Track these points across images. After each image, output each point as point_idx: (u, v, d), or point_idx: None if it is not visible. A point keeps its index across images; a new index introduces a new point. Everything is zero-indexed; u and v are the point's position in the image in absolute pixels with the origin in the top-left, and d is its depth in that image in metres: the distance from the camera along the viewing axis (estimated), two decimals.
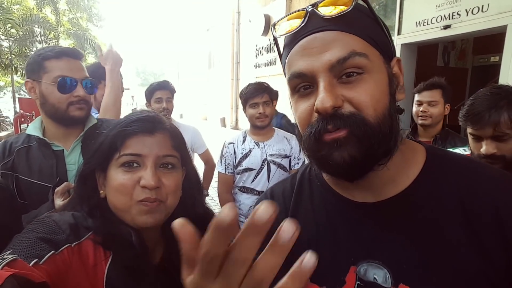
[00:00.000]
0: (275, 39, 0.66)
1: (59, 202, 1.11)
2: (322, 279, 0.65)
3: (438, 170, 0.61)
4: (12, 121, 10.84)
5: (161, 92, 2.61)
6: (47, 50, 1.34)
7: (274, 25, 0.63)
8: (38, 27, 12.37)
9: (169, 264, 0.85)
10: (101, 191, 0.82)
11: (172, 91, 2.67)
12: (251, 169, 2.23)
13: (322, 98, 0.53)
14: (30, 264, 0.58)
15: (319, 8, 0.57)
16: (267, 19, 8.16)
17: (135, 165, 0.78)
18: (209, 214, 0.95)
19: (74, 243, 0.69)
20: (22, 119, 9.67)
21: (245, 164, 2.24)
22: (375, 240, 0.61)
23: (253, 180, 2.24)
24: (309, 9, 0.57)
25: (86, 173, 0.83)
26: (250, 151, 2.24)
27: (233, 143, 2.31)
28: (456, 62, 6.86)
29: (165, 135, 0.83)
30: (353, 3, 0.55)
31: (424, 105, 2.17)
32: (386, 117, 0.55)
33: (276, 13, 7.97)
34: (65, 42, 17.05)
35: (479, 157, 1.21)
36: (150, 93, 2.63)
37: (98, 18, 20.47)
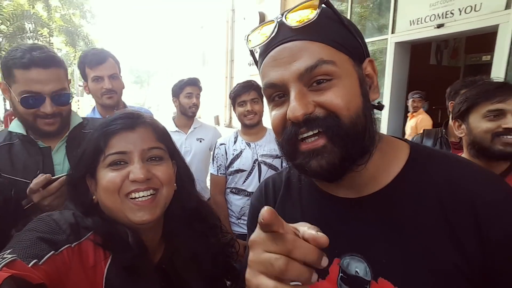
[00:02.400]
0: (250, 50, 0.67)
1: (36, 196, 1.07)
2: None
3: (420, 167, 0.62)
4: (2, 119, 10.70)
5: (191, 87, 2.63)
6: (18, 56, 1.20)
7: (248, 37, 0.65)
8: (29, 23, 12.18)
9: (168, 265, 0.84)
10: (94, 197, 0.81)
11: (200, 88, 2.71)
12: (242, 170, 2.21)
13: (293, 107, 0.55)
14: (30, 265, 0.57)
15: (287, 18, 0.58)
16: (262, 16, 8.16)
17: (122, 163, 0.77)
18: (204, 206, 0.94)
19: (74, 244, 0.69)
20: (13, 117, 9.53)
21: (236, 165, 2.22)
22: (357, 234, 0.63)
23: (244, 181, 2.23)
24: (278, 20, 0.59)
25: (75, 179, 0.81)
26: (241, 152, 2.23)
27: (224, 144, 2.30)
28: (448, 61, 6.93)
29: (147, 128, 0.82)
30: (317, 12, 0.56)
31: None
32: (360, 116, 0.57)
33: (271, 10, 7.95)
34: (57, 39, 16.83)
35: (495, 135, 1.22)
36: (180, 88, 2.64)
37: (91, 15, 20.24)
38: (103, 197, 0.78)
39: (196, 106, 2.65)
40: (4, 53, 11.66)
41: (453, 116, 1.39)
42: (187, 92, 2.61)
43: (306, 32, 0.57)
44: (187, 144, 2.64)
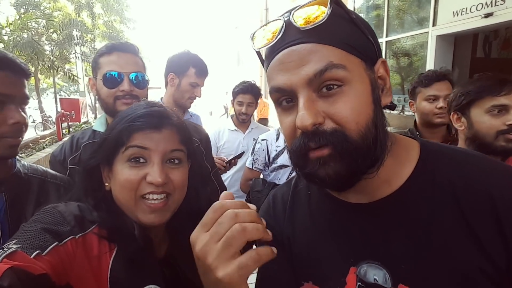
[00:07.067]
0: (256, 51, 0.63)
1: None
2: (323, 280, 0.65)
3: (432, 166, 0.59)
4: (54, 120, 11.53)
5: (242, 96, 2.64)
6: (103, 47, 1.36)
7: (253, 36, 0.61)
8: (76, 31, 13.04)
9: (173, 259, 0.85)
10: (106, 184, 0.81)
11: (255, 95, 2.67)
12: (286, 166, 2.23)
13: (302, 116, 0.52)
14: (32, 256, 0.58)
15: (295, 18, 0.54)
16: None
17: (141, 160, 0.77)
18: None
19: (79, 235, 0.69)
20: (63, 118, 10.22)
21: (279, 161, 2.24)
22: (372, 240, 0.60)
23: (288, 177, 2.24)
24: (285, 19, 0.55)
25: (92, 167, 0.82)
26: (284, 148, 2.24)
27: (266, 139, 2.32)
28: (499, 53, 6.44)
29: (172, 130, 0.81)
30: (327, 12, 0.52)
31: (441, 99, 1.78)
32: (369, 128, 0.54)
33: None
34: (101, 44, 17.84)
35: (500, 133, 1.19)
36: (234, 94, 2.71)
37: (130, 21, 21.22)
38: (117, 191, 0.78)
39: (246, 114, 2.67)
40: (55, 59, 12.58)
41: (453, 108, 1.37)
42: (238, 100, 2.67)
43: (315, 33, 0.53)
44: (244, 144, 2.72)
